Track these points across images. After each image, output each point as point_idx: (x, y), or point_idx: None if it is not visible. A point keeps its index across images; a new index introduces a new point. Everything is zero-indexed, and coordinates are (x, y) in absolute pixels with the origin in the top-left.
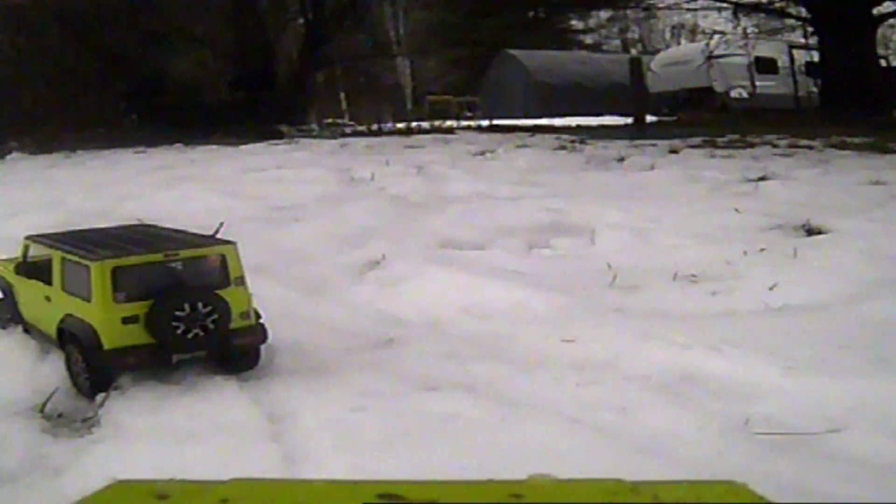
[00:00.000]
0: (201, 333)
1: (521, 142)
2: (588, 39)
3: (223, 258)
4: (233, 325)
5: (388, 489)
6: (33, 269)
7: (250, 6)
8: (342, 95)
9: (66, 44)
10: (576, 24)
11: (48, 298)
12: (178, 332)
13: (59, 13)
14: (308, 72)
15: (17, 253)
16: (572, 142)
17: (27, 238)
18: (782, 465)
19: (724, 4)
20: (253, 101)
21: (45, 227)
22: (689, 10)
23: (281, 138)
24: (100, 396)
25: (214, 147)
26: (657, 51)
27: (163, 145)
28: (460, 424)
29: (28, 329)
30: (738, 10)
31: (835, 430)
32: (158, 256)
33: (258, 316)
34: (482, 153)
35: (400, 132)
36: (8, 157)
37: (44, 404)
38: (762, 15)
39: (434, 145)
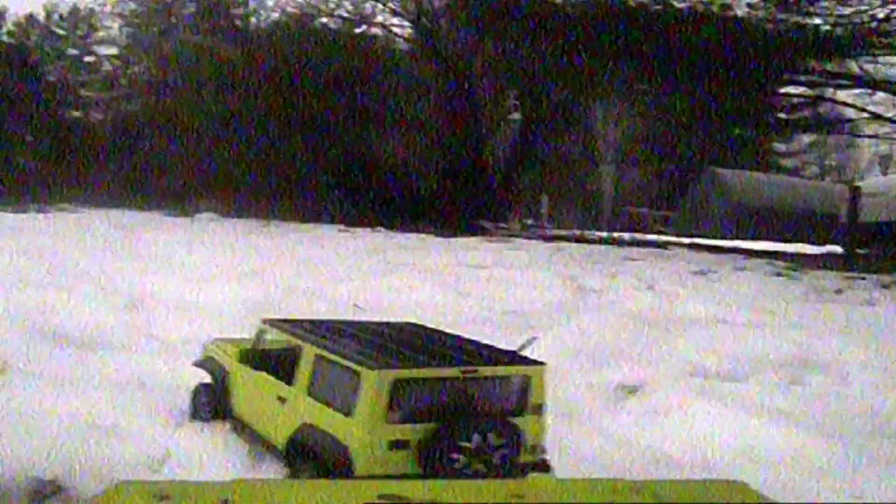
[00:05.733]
0: (482, 469)
1: (736, 264)
2: (788, 163)
3: (527, 380)
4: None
5: (389, 489)
6: (265, 360)
7: (468, 95)
8: (544, 198)
9: (276, 108)
10: (777, 146)
11: (281, 399)
12: (456, 466)
13: (271, 76)
14: (518, 169)
15: (237, 333)
16: (785, 269)
17: (265, 322)
18: None
19: None
20: (460, 193)
21: (247, 300)
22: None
23: (482, 234)
24: None
25: (423, 235)
26: (852, 179)
27: (365, 226)
28: None
29: (238, 428)
30: None
31: None
32: (454, 371)
33: (543, 451)
34: (702, 272)
35: (606, 241)
36: (196, 215)
37: None
38: None
39: (653, 259)
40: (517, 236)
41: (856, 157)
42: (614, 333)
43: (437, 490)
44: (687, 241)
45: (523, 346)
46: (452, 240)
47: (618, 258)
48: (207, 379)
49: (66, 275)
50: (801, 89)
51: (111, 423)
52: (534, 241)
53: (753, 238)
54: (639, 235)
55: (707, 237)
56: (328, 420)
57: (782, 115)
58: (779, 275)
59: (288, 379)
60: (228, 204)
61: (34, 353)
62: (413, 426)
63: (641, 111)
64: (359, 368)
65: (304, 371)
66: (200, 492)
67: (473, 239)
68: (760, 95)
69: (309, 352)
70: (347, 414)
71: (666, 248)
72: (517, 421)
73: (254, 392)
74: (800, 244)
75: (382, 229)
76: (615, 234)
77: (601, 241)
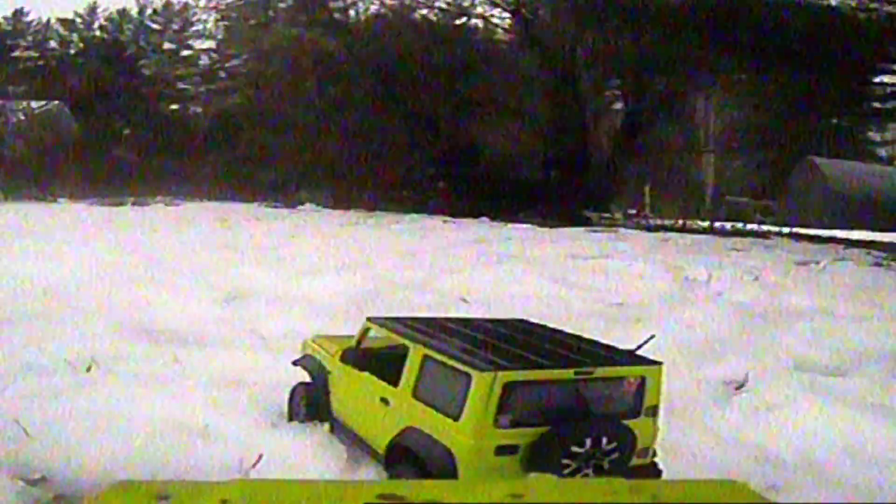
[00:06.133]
0: (591, 475)
1: (836, 254)
2: (882, 152)
3: (642, 381)
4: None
5: (388, 489)
6: (368, 360)
7: (571, 85)
8: (646, 188)
9: (377, 100)
10: (872, 135)
11: (385, 401)
12: (567, 472)
13: (374, 68)
14: (621, 159)
15: (340, 328)
16: (884, 259)
17: (370, 320)
18: None
19: None
20: (564, 183)
21: (349, 294)
22: None
23: (586, 224)
24: None
25: (526, 226)
26: None
27: (468, 217)
28: None
29: (338, 429)
30: None
31: None
32: (567, 373)
33: (654, 453)
34: (804, 263)
35: (708, 231)
36: (299, 207)
37: None
38: None
39: (756, 250)
40: (621, 226)
41: None
42: (721, 326)
43: (437, 490)
44: (786, 230)
45: (641, 346)
46: (557, 230)
47: (722, 248)
48: (306, 378)
49: (162, 269)
50: (894, 78)
51: (203, 423)
52: (638, 232)
53: (850, 227)
54: (740, 225)
55: (806, 226)
56: (434, 424)
57: (876, 105)
58: (878, 265)
59: (392, 380)
60: (331, 195)
61: (125, 351)
62: (522, 430)
63: (741, 101)
64: (469, 370)
65: (409, 372)
66: (200, 492)
67: (578, 229)
68: (855, 84)
69: (415, 352)
70: (455, 418)
71: (768, 238)
72: (631, 423)
73: (355, 393)
74: (894, 234)
75: (487, 219)
76: (717, 224)
77: (703, 230)
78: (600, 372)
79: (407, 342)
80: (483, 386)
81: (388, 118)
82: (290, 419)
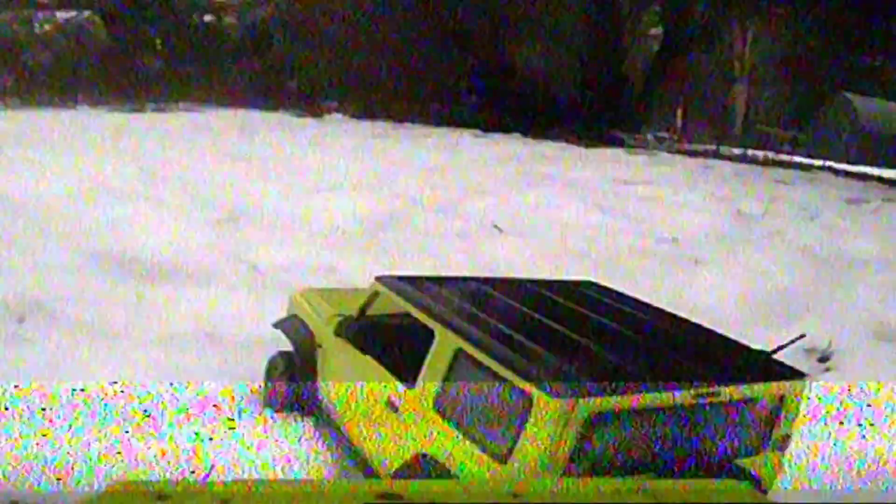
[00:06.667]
0: None
1: (882, 194)
2: None
3: (780, 401)
4: None
5: (388, 489)
6: (374, 337)
7: (610, 6)
8: (678, 112)
9: (410, 11)
10: None
11: (392, 405)
12: None
13: None
14: (655, 82)
15: (352, 259)
16: None
17: (379, 280)
18: None
19: None
20: (597, 103)
21: (366, 216)
22: None
23: (619, 145)
24: None
25: (562, 144)
26: None
27: (500, 132)
28: None
29: (326, 425)
30: None
31: None
32: (683, 397)
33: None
34: (854, 201)
35: (742, 159)
36: (326, 116)
37: None
38: None
39: (801, 184)
40: (657, 149)
41: None
42: (786, 273)
43: (438, 490)
44: (819, 163)
45: (783, 346)
46: (593, 150)
47: (768, 180)
48: (290, 346)
49: (159, 182)
50: None
51: (143, 411)
52: (676, 157)
53: (877, 165)
54: (771, 154)
55: (833, 160)
56: (463, 460)
57: None
58: None
59: (406, 373)
60: (360, 105)
61: (80, 288)
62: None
63: (778, 33)
64: (530, 389)
65: (433, 369)
66: (200, 492)
67: (614, 150)
68: (889, 23)
69: (445, 340)
70: (501, 459)
71: (809, 172)
72: (754, 462)
73: (352, 382)
74: None
75: (519, 135)
76: (750, 153)
77: (738, 158)
78: (727, 393)
79: (433, 322)
80: (553, 418)
81: (422, 30)
82: (266, 405)
